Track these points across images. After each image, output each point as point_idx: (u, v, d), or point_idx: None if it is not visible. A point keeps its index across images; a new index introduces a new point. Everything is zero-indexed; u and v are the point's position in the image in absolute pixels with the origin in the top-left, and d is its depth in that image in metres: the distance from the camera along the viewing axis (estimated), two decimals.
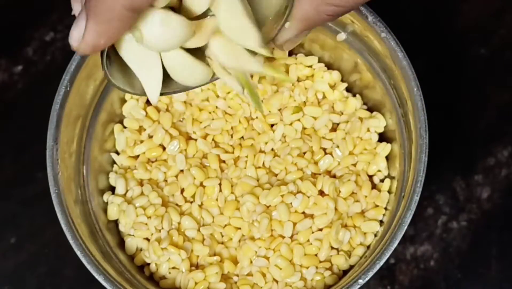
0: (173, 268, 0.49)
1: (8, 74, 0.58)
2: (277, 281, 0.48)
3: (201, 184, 0.50)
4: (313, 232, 0.48)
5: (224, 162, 0.51)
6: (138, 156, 0.51)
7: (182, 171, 0.50)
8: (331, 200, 0.48)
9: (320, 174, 0.50)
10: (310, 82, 0.52)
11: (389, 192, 0.49)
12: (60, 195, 0.45)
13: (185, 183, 0.50)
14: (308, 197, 0.48)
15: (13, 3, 0.60)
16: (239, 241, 0.49)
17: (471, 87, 0.58)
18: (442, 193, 0.55)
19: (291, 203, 0.48)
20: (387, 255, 0.43)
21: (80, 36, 0.32)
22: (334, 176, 0.50)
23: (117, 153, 0.52)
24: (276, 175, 0.50)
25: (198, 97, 0.52)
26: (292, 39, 0.38)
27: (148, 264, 0.49)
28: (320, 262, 0.48)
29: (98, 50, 0.32)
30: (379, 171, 0.50)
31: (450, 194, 0.55)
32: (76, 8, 0.34)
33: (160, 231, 0.48)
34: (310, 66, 0.53)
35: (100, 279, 0.44)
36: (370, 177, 0.50)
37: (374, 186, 0.50)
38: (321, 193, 0.49)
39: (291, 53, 0.53)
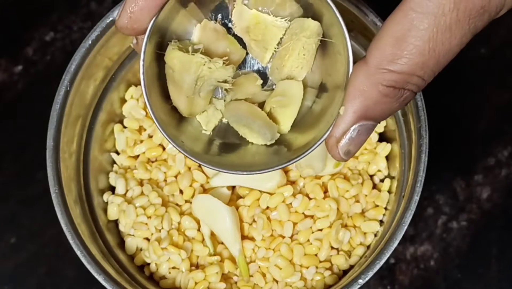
0: (173, 268, 0.49)
1: (8, 74, 0.58)
2: (277, 281, 0.48)
3: (201, 185, 0.50)
4: (313, 232, 0.48)
5: None
6: (138, 156, 0.51)
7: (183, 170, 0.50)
8: (334, 201, 0.48)
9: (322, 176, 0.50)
10: None
11: (389, 192, 0.49)
12: (60, 195, 0.45)
13: (185, 183, 0.50)
14: (310, 199, 0.48)
15: (13, 3, 0.60)
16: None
17: (471, 87, 0.58)
18: (442, 193, 0.55)
19: (291, 203, 0.48)
20: (387, 255, 0.43)
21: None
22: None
23: (117, 153, 0.52)
24: None
25: None
26: (352, 137, 0.33)
27: (148, 264, 0.49)
28: (320, 262, 0.48)
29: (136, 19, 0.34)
30: (379, 170, 0.50)
31: (450, 194, 0.55)
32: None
33: (160, 231, 0.48)
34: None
35: (100, 279, 0.44)
36: (370, 177, 0.50)
37: (374, 186, 0.50)
38: (324, 192, 0.49)
39: None
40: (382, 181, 0.50)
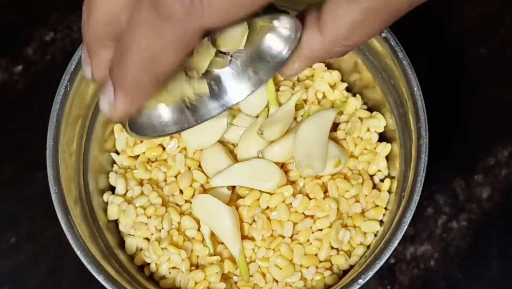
0: (173, 268, 0.49)
1: (8, 74, 0.58)
2: (277, 281, 0.48)
3: (201, 185, 0.50)
4: (313, 232, 0.48)
5: None
6: (138, 156, 0.51)
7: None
8: (334, 201, 0.48)
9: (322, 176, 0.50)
10: (310, 82, 0.52)
11: (389, 191, 0.49)
12: (60, 195, 0.45)
13: (185, 183, 0.50)
14: (310, 199, 0.48)
15: (13, 3, 0.60)
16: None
17: (471, 87, 0.58)
18: (442, 193, 0.55)
19: (291, 203, 0.48)
20: (387, 255, 0.43)
21: (110, 105, 0.32)
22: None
23: (117, 153, 0.52)
24: None
25: None
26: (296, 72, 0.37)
27: (148, 264, 0.49)
28: (320, 262, 0.48)
29: (131, 114, 0.33)
30: (379, 170, 0.50)
31: (450, 194, 0.55)
32: (87, 71, 0.34)
33: (160, 231, 0.48)
34: (310, 66, 0.53)
35: (100, 279, 0.44)
36: (370, 177, 0.50)
37: (374, 186, 0.50)
38: (324, 192, 0.49)
39: None
40: (382, 181, 0.50)
